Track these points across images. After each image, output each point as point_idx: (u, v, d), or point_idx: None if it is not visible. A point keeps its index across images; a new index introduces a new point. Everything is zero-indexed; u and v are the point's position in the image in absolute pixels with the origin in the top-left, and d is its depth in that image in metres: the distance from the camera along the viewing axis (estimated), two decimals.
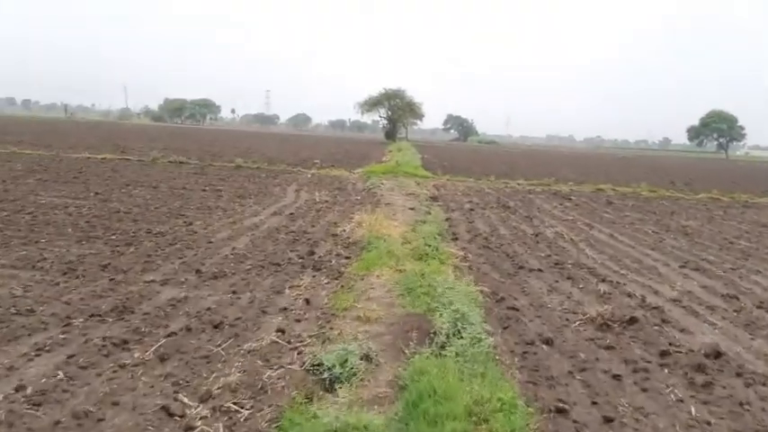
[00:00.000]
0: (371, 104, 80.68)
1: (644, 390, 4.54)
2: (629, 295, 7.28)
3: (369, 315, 5.72)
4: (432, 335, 5.05)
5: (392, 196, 16.35)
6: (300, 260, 8.26)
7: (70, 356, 4.61)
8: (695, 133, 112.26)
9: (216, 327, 5.47)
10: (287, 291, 6.78)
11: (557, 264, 8.88)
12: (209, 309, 5.97)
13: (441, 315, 5.18)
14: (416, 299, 6.23)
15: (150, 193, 14.49)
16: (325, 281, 7.24)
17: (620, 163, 51.02)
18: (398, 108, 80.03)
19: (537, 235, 11.42)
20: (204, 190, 15.71)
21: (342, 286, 6.96)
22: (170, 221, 10.77)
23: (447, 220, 12.71)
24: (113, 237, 9.14)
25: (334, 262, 8.22)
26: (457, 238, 10.67)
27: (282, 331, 5.38)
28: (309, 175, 21.66)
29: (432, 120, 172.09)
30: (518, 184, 22.96)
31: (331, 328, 5.46)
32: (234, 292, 6.60)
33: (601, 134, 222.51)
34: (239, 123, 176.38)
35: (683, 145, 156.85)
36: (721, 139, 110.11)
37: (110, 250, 8.27)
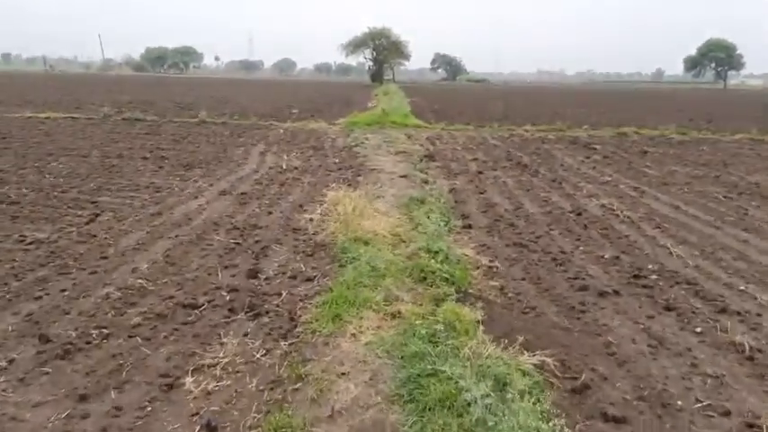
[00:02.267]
0: (356, 45, 77.26)
1: None
2: None
3: None
4: None
5: (378, 157, 13.04)
6: (233, 293, 5.12)
7: None
8: (692, 63, 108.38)
9: None
10: (187, 381, 3.69)
11: (634, 275, 5.71)
12: None
13: None
14: (429, 418, 3.14)
15: (73, 165, 11.22)
16: (262, 350, 4.11)
17: (624, 98, 47.34)
18: (384, 48, 76.53)
19: (579, 214, 8.24)
20: (146, 157, 12.43)
21: (289, 365, 3.84)
22: (66, 217, 7.58)
23: (452, 191, 9.54)
24: None
25: (285, 294, 5.08)
26: (470, 225, 7.55)
27: None
28: (282, 131, 18.26)
29: (419, 60, 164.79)
30: (526, 131, 19.54)
31: None
32: (83, 398, 3.51)
33: (592, 68, 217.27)
34: (223, 71, 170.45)
35: (676, 76, 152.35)
36: (719, 69, 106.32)
37: None
